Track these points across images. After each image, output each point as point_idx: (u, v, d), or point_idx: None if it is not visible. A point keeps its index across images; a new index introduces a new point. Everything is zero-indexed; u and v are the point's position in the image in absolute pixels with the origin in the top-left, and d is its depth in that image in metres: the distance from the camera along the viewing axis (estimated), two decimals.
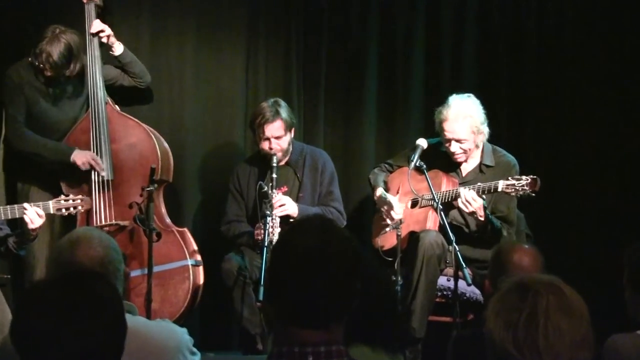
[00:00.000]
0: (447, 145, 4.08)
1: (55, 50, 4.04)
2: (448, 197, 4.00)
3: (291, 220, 4.11)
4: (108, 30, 4.25)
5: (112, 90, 4.31)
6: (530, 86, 4.97)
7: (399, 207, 4.13)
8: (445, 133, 4.04)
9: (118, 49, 4.32)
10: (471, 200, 3.86)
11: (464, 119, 4.00)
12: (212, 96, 4.79)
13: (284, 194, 4.25)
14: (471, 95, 4.11)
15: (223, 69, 4.80)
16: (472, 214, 3.89)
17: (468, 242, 3.97)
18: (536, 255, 2.70)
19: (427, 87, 4.99)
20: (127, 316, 2.19)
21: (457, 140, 4.03)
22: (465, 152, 4.07)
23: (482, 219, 3.92)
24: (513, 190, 3.79)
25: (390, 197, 4.18)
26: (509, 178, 3.82)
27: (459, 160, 4.11)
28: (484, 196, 3.97)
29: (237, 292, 4.03)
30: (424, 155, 3.98)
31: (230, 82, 4.81)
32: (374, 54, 4.98)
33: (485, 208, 3.93)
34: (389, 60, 5.01)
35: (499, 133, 4.48)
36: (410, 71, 5.00)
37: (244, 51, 4.84)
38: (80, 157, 4.12)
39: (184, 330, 2.32)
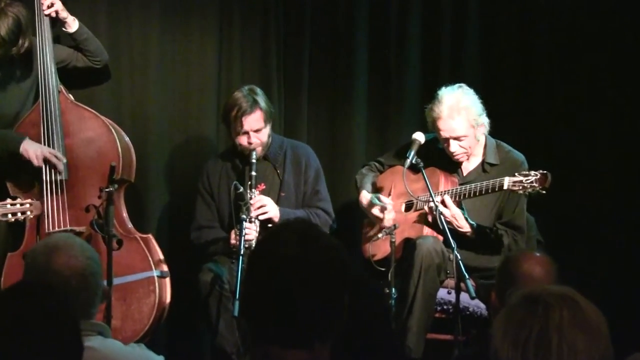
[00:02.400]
0: (445, 145, 4.08)
1: (3, 25, 4.01)
2: None
3: (270, 225, 4.09)
4: (58, 4, 4.21)
5: (64, 73, 4.27)
6: (541, 76, 4.98)
7: (390, 207, 4.12)
8: (441, 132, 4.05)
9: (73, 25, 4.28)
10: (442, 209, 3.86)
11: (459, 113, 4.00)
12: (179, 85, 4.77)
13: (262, 191, 4.24)
14: (462, 85, 4.12)
15: (192, 55, 4.78)
16: (449, 224, 3.88)
17: (470, 249, 3.98)
18: (548, 265, 2.71)
19: (424, 76, 5.00)
20: (98, 339, 2.20)
21: (456, 139, 4.03)
22: (466, 150, 4.07)
23: (464, 230, 3.94)
24: (520, 187, 3.79)
25: (383, 198, 4.17)
26: (516, 174, 3.82)
27: (460, 160, 4.12)
28: (463, 205, 3.98)
29: (212, 305, 4.03)
30: (419, 153, 3.97)
31: (200, 69, 4.80)
32: (364, 38, 4.98)
33: (466, 218, 3.94)
34: (381, 46, 5.01)
35: (505, 128, 4.48)
36: (405, 58, 5.01)
37: (217, 34, 4.82)
38: (33, 149, 4.07)
39: (161, 359, 2.32)
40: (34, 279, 2.27)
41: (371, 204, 4.18)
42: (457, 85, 4.11)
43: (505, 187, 3.86)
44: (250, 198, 4.05)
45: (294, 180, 4.33)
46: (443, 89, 4.09)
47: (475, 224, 4.00)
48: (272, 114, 4.28)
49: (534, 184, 3.77)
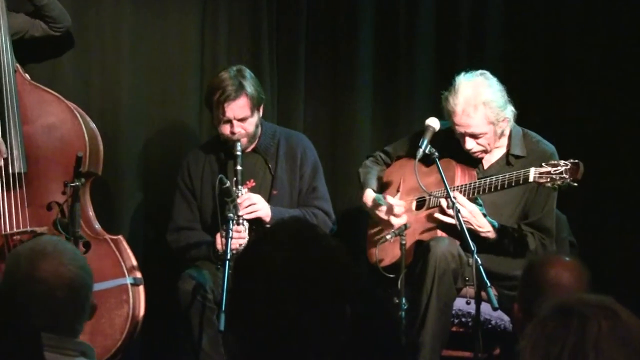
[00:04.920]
0: (460, 140, 4.09)
1: None
2: (464, 194, 3.99)
3: (267, 225, 4.10)
4: None
5: (19, 45, 4.25)
6: (573, 55, 4.98)
7: (400, 208, 4.11)
8: (456, 127, 4.06)
9: None
10: (459, 206, 3.85)
11: (476, 109, 4.00)
12: (156, 66, 4.77)
13: (252, 189, 4.24)
14: (485, 72, 4.10)
15: (171, 31, 4.78)
16: (466, 223, 3.86)
17: (490, 253, 3.98)
18: (579, 270, 2.72)
19: (439, 53, 5.01)
20: None
21: (472, 135, 4.03)
22: (484, 148, 4.07)
23: (484, 230, 3.94)
24: (549, 179, 3.78)
25: (390, 198, 4.16)
26: (543, 164, 3.81)
27: (477, 156, 4.13)
28: (479, 200, 3.99)
29: (194, 318, 4.03)
30: (434, 141, 3.97)
31: (180, 48, 4.80)
32: (369, 12, 4.98)
33: (485, 215, 3.95)
34: (389, 20, 5.01)
35: (532, 118, 4.47)
36: (417, 32, 5.02)
37: (199, 8, 4.82)
38: None
39: None
40: (14, 286, 2.28)
41: (376, 204, 4.16)
42: (479, 72, 4.08)
43: (530, 180, 3.84)
44: (237, 196, 4.04)
45: (287, 175, 4.33)
46: (461, 75, 4.06)
47: (496, 224, 3.98)
48: (262, 100, 4.27)
49: (564, 176, 3.76)
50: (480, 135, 4.03)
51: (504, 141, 4.16)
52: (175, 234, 4.33)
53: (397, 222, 4.07)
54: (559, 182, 3.77)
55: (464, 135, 4.04)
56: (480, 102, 3.99)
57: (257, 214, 4.12)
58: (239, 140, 4.15)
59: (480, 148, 4.07)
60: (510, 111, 4.07)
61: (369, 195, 4.22)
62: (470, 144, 4.05)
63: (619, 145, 4.90)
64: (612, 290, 1.79)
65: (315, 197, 4.35)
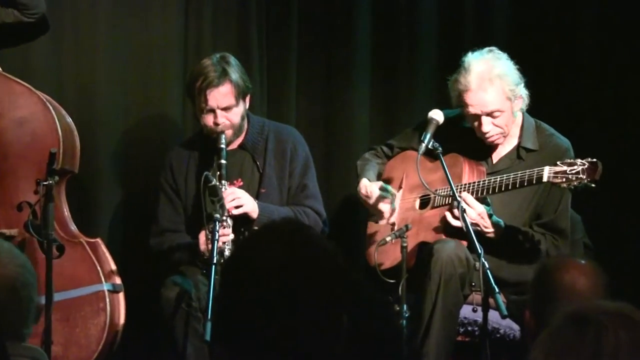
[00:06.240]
0: (474, 124, 4.08)
1: None
2: (472, 193, 3.99)
3: (255, 223, 4.11)
4: None
5: None
6: (589, 44, 5.00)
7: (396, 201, 4.12)
8: (470, 108, 4.04)
9: None
10: (466, 207, 3.86)
11: (492, 83, 4.00)
12: (135, 53, 4.79)
13: (240, 188, 4.22)
14: (493, 49, 4.11)
15: (152, 17, 4.81)
16: (474, 225, 3.87)
17: (499, 257, 3.98)
18: (596, 275, 2.71)
19: (442, 40, 5.02)
20: None
21: (489, 114, 4.02)
22: (502, 130, 4.05)
23: (489, 231, 3.95)
24: (564, 179, 3.78)
25: (390, 188, 4.16)
26: (558, 163, 3.80)
27: (495, 142, 4.11)
28: (488, 199, 3.99)
29: (178, 327, 4.05)
30: (439, 134, 3.96)
31: (162, 32, 4.82)
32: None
33: (490, 215, 3.95)
34: (389, 3, 4.98)
35: (545, 112, 4.47)
36: (418, 18, 5.03)
37: None
38: None
39: None
40: None
41: (380, 197, 4.15)
42: (487, 49, 4.09)
43: (544, 179, 3.85)
44: (222, 193, 4.03)
45: (276, 173, 4.34)
46: (469, 54, 4.07)
47: (502, 223, 3.98)
48: (249, 90, 4.27)
49: (581, 176, 3.76)
50: (497, 114, 4.02)
51: (516, 132, 4.15)
52: (158, 237, 4.33)
53: (386, 213, 4.11)
54: (575, 183, 3.77)
55: (479, 116, 4.03)
56: (496, 75, 4.00)
57: (243, 208, 4.12)
58: (223, 132, 4.15)
59: (499, 130, 4.05)
60: (524, 90, 4.08)
61: (365, 184, 4.21)
62: (487, 126, 4.03)
63: (637, 143, 4.90)
64: (630, 296, 1.79)
65: (305, 195, 4.35)
